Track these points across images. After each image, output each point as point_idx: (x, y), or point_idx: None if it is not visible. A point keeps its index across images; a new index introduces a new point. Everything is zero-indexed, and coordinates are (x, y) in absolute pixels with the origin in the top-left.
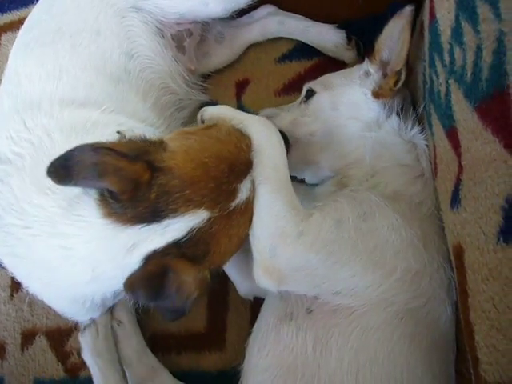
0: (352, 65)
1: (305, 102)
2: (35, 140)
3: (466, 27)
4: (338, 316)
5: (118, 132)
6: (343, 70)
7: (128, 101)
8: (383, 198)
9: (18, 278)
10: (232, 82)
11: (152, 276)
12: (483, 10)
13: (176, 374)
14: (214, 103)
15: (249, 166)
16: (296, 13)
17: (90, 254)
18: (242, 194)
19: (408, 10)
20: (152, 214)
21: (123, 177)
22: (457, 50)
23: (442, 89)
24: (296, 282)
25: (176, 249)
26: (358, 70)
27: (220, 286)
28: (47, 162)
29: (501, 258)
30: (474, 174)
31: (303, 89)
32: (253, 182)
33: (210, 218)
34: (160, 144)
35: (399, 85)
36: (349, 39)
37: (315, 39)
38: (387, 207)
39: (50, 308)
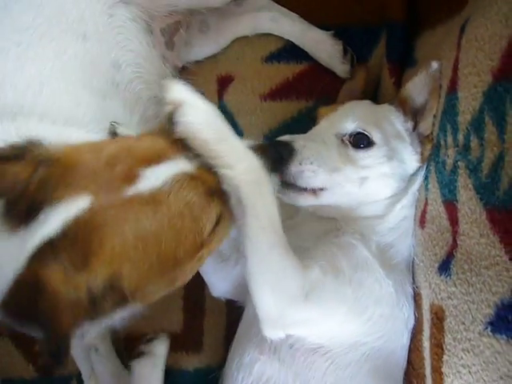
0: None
1: (355, 148)
2: None
3: (490, 127)
4: (317, 354)
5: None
6: (384, 109)
7: (114, 119)
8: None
9: None
10: (214, 76)
11: (20, 294)
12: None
13: None
14: None
15: (166, 154)
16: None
17: None
18: (147, 181)
19: (435, 66)
20: (29, 211)
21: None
22: (474, 141)
23: (449, 162)
24: (296, 329)
25: (51, 251)
26: (399, 120)
27: (196, 292)
28: None
29: (485, 342)
30: (471, 262)
31: (345, 124)
32: (176, 176)
33: (92, 205)
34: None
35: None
36: (344, 52)
37: (309, 45)
38: (373, 260)
39: None
